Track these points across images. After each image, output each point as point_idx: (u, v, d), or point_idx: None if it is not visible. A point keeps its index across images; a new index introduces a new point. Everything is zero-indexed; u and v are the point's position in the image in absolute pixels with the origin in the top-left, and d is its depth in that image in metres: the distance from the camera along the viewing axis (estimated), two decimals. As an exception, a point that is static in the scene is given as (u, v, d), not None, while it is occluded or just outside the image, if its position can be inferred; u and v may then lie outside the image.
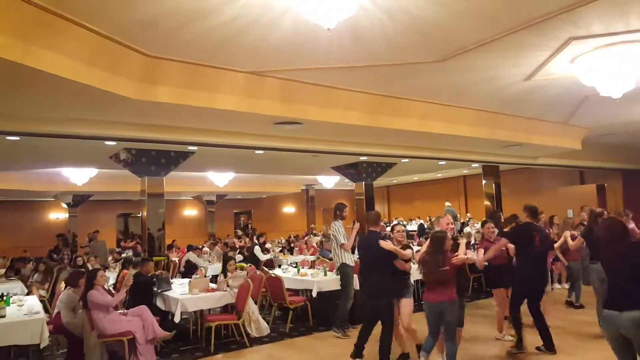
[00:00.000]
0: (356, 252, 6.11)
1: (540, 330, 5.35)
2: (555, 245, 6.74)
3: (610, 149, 13.86)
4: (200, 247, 12.19)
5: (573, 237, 6.47)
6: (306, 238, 14.62)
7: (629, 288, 3.17)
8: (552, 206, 13.12)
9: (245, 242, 14.35)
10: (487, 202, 14.07)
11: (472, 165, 14.62)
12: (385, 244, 4.88)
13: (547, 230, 6.92)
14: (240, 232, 18.75)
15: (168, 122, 7.11)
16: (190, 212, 23.42)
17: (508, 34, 5.10)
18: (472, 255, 4.74)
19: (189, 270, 10.00)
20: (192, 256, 10.47)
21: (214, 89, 6.14)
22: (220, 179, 15.10)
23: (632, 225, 8.41)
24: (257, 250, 9.23)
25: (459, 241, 4.76)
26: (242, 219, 22.40)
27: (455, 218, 17.44)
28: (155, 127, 7.19)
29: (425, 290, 4.60)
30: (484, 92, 7.50)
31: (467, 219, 17.45)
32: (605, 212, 6.65)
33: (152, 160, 8.83)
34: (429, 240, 4.70)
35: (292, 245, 13.64)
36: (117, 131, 7.08)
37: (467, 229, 13.04)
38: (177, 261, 10.33)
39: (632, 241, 3.37)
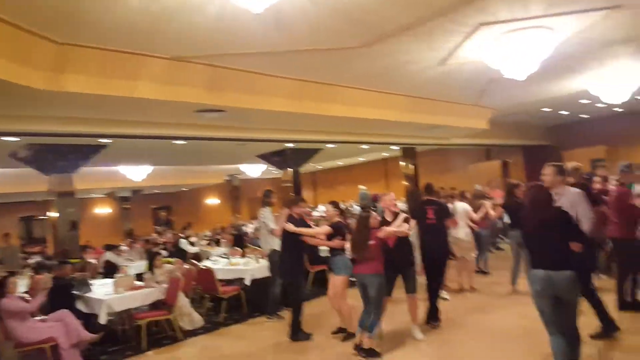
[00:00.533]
0: None
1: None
2: (478, 215, 7.27)
3: (512, 128, 15.12)
4: (118, 246, 11.55)
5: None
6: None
7: (558, 250, 3.47)
8: (463, 182, 14.08)
9: (168, 238, 13.82)
10: (406, 183, 14.77)
11: (393, 148, 15.22)
12: (289, 227, 5.28)
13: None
14: (160, 228, 18.00)
15: (80, 114, 6.63)
16: (103, 210, 22.05)
17: (427, 18, 5.32)
18: (404, 228, 4.98)
19: (109, 270, 9.47)
20: (111, 256, 9.89)
21: (133, 76, 5.81)
22: (136, 173, 14.31)
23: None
24: (183, 243, 8.93)
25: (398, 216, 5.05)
26: (163, 214, 21.51)
27: (365, 199, 18.34)
28: (65, 119, 6.67)
29: (355, 264, 4.87)
30: (404, 76, 7.78)
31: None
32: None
33: (60, 155, 8.17)
34: (356, 219, 4.99)
35: (219, 237, 13.32)
36: (20, 125, 6.48)
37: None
38: (94, 262, 9.70)
39: (557, 207, 3.70)
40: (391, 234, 4.76)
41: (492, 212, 7.11)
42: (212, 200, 24.86)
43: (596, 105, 12.41)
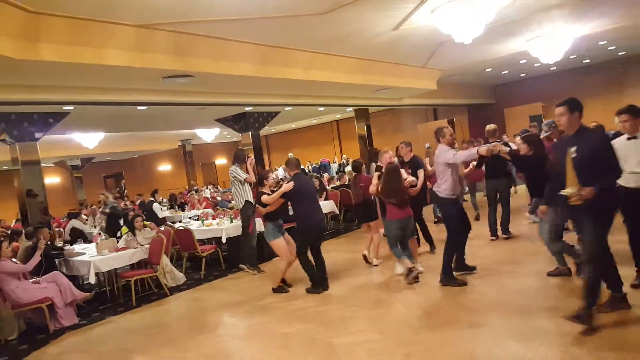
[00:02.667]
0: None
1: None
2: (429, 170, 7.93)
3: (458, 88, 15.99)
4: (79, 213, 11.53)
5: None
6: (191, 194, 14.59)
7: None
8: (413, 141, 14.78)
9: (125, 205, 13.82)
10: (359, 143, 15.34)
11: (347, 109, 15.66)
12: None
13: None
14: (111, 196, 17.77)
15: (48, 82, 6.61)
16: (53, 179, 21.41)
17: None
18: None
19: (75, 237, 9.57)
20: (76, 223, 9.98)
21: (102, 44, 5.90)
22: (89, 141, 14.03)
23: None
24: (156, 207, 9.16)
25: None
26: (123, 182, 21.11)
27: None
28: (32, 87, 6.64)
29: (393, 211, 5.31)
30: (360, 41, 8.23)
31: (344, 160, 18.90)
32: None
33: (25, 124, 8.09)
34: (384, 172, 5.35)
35: (179, 202, 13.49)
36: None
37: (347, 168, 14.24)
38: (61, 230, 9.78)
39: None
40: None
41: (429, 167, 7.69)
42: (165, 167, 24.61)
43: (534, 65, 13.45)
